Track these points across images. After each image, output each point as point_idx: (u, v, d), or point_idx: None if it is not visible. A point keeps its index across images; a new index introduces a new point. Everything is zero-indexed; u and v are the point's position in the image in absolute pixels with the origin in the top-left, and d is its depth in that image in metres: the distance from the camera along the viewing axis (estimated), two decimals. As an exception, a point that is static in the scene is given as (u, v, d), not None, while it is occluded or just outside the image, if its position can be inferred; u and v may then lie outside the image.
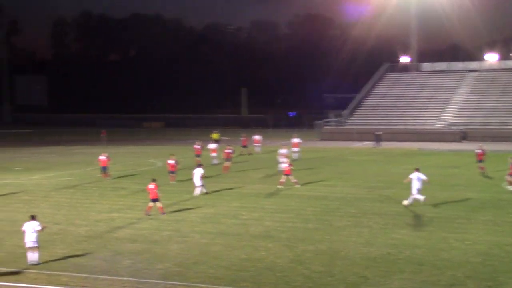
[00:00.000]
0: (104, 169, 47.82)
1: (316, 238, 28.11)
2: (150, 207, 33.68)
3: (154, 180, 34.21)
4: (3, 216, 34.09)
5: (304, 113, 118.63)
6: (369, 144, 76.79)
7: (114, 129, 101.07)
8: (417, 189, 34.99)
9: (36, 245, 24.68)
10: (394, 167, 54.18)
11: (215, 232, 29.52)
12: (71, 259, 25.32)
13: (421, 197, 34.90)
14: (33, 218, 25.30)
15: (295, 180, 42.92)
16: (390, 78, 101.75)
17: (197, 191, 39.06)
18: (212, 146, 57.02)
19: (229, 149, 52.42)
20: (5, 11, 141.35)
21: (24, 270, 23.80)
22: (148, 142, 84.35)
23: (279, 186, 42.20)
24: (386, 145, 74.57)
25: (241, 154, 62.89)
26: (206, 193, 39.64)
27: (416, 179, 35.06)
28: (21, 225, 25.42)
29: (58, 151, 73.68)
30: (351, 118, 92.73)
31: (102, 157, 47.86)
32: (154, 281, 22.38)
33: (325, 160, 59.21)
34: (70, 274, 23.27)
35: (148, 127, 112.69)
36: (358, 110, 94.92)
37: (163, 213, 33.53)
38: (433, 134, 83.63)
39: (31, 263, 24.44)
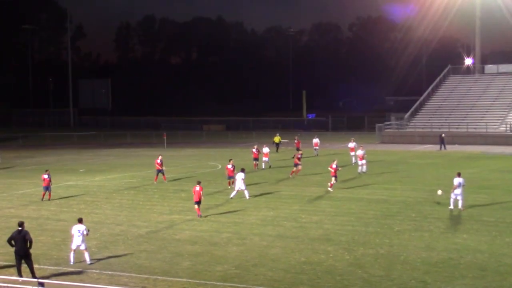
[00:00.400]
0: (159, 172, 47.78)
1: (376, 242, 27.91)
2: (198, 209, 34.11)
3: (199, 183, 34.66)
4: (67, 217, 34.75)
5: (363, 115, 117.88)
6: (431, 147, 75.73)
7: (175, 131, 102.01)
8: (457, 194, 34.74)
9: (84, 248, 25.36)
10: (456, 171, 53.17)
11: (274, 235, 29.56)
12: (132, 260, 25.69)
13: (460, 203, 34.72)
14: (80, 221, 25.90)
15: (331, 183, 42.60)
16: (453, 81, 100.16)
17: (246, 194, 39.01)
18: (265, 150, 56.72)
19: (299, 154, 52.24)
20: (70, 16, 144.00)
21: (87, 270, 24.26)
22: (208, 145, 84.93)
23: (329, 189, 42.33)
24: (448, 148, 73.42)
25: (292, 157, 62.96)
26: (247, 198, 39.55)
27: (458, 184, 34.73)
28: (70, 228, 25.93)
29: (120, 153, 74.80)
30: (413, 121, 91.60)
31: (158, 161, 47.88)
32: (213, 283, 22.53)
33: (385, 163, 58.66)
34: (131, 274, 23.62)
35: (208, 130, 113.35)
36: (419, 113, 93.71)
37: (199, 215, 33.83)
38: (497, 137, 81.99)
39: (73, 263, 25.27)
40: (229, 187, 42.87)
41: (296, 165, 49.65)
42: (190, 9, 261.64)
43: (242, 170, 39.06)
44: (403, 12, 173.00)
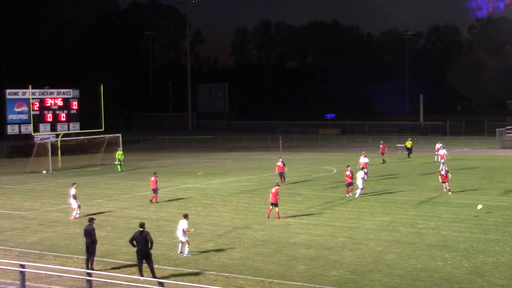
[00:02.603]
0: (281, 175, 48.52)
1: (497, 250, 27.12)
2: (270, 210, 34.98)
3: (277, 185, 36.31)
4: (185, 219, 35.57)
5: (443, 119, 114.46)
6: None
7: (290, 135, 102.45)
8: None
9: (184, 240, 27.20)
10: None
11: (390, 240, 29.24)
12: (248, 262, 26.03)
13: None
14: (185, 217, 27.56)
15: (448, 188, 42.57)
16: None
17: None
18: (364, 160, 51.96)
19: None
20: (189, 22, 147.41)
21: (204, 272, 24.76)
22: (323, 149, 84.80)
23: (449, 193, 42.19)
24: None
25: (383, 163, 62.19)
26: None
27: None
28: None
29: (237, 156, 75.78)
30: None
31: (280, 163, 48.60)
32: (328, 287, 22.52)
33: (506, 169, 56.85)
34: (247, 277, 23.94)
35: (323, 134, 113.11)
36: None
37: (278, 218, 34.64)
38: None
39: (181, 253, 27.42)
40: (347, 195, 42.21)
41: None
42: (306, 13, 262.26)
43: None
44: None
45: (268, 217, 34.77)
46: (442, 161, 56.07)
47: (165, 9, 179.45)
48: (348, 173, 42.52)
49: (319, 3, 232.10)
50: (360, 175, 42.40)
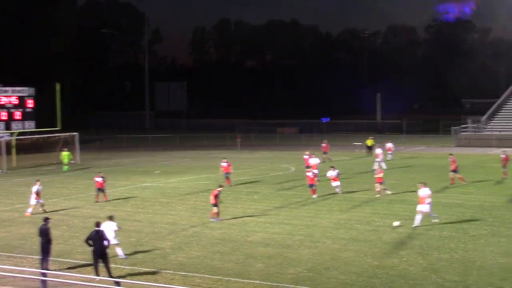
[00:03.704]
0: (226, 175, 47.42)
1: (451, 247, 27.48)
2: (214, 213, 34.00)
3: (220, 186, 35.33)
4: (142, 218, 35.44)
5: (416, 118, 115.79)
6: (510, 150, 73.91)
7: (249, 134, 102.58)
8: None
9: (116, 242, 26.53)
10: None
11: (347, 238, 29.45)
12: (206, 261, 25.99)
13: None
14: (110, 218, 26.81)
15: (384, 187, 41.79)
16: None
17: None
18: (314, 161, 50.24)
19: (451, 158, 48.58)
20: (148, 20, 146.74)
21: (161, 271, 24.66)
22: (281, 148, 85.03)
23: (377, 196, 41.18)
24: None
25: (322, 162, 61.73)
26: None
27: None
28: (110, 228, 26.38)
29: (195, 155, 75.63)
30: (490, 124, 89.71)
31: (224, 164, 47.49)
32: (285, 285, 22.60)
33: (461, 167, 57.56)
34: (204, 275, 23.90)
35: (282, 133, 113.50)
36: (497, 116, 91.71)
37: (218, 219, 33.81)
38: None
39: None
40: (314, 196, 41.07)
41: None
42: (265, 12, 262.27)
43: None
44: (481, 12, 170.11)
45: (214, 219, 33.92)
46: (378, 159, 55.74)
47: (124, 7, 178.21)
48: (310, 174, 41.85)
49: (278, 2, 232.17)
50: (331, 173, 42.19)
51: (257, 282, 23.07)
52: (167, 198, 42.54)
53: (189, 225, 32.97)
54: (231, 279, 23.45)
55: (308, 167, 48.51)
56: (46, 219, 25.24)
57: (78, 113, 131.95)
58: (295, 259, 26.08)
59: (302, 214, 35.56)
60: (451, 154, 49.53)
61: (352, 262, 25.37)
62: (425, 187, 31.97)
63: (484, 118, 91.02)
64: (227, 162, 47.51)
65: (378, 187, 41.40)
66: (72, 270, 24.80)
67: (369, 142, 69.67)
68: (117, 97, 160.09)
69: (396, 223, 31.52)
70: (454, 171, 46.99)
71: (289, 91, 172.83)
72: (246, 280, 23.24)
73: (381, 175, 41.72)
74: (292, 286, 22.49)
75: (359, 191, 43.49)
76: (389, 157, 63.77)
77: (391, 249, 27.22)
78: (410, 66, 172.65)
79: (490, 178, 49.87)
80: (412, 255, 26.20)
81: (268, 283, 22.90)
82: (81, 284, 19.60)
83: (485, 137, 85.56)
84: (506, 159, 48.64)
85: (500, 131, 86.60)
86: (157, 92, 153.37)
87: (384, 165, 53.93)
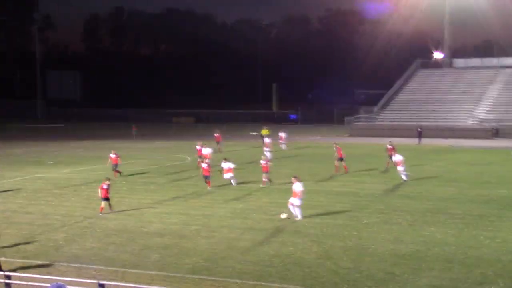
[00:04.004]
0: (115, 167, 46.45)
1: (345, 234, 28.02)
2: (102, 208, 32.97)
3: (108, 179, 34.18)
4: (34, 210, 34.49)
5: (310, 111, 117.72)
6: (401, 140, 76.12)
7: (144, 124, 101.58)
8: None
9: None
10: (424, 164, 53.81)
11: (243, 227, 29.55)
12: (101, 252, 25.54)
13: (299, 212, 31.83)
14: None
15: (265, 180, 41.41)
16: (422, 74, 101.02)
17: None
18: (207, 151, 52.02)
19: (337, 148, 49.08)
20: (39, 6, 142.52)
21: (55, 263, 24.05)
22: (177, 138, 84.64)
23: (261, 186, 41.08)
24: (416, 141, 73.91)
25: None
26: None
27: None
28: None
29: (89, 145, 74.29)
30: (382, 114, 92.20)
31: (113, 155, 46.58)
32: (182, 275, 22.45)
33: (354, 157, 58.88)
34: (99, 267, 23.46)
35: (178, 122, 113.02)
36: (389, 106, 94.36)
37: (113, 211, 33.11)
38: (465, 130, 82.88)
39: None
40: (209, 188, 40.29)
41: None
42: (160, 1, 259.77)
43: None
44: (373, 5, 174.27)
45: (102, 213, 32.71)
46: (267, 149, 56.79)
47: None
48: (204, 165, 41.12)
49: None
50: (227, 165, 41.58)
51: (154, 272, 22.83)
52: (60, 189, 41.56)
53: (83, 216, 32.30)
54: (127, 270, 23.11)
55: (200, 157, 48.50)
56: None
57: None
58: (191, 249, 25.97)
59: (198, 204, 35.48)
60: (336, 144, 50.42)
61: (248, 251, 25.48)
62: (298, 181, 31.88)
63: (376, 108, 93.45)
64: (115, 154, 46.41)
65: (264, 177, 41.41)
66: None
67: (264, 131, 70.27)
68: (5, 85, 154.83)
69: (283, 215, 31.34)
70: (341, 159, 47.94)
71: (183, 81, 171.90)
72: (143, 271, 22.95)
73: (265, 164, 41.73)
74: (189, 276, 22.37)
75: (254, 181, 43.67)
76: (283, 146, 64.52)
77: (286, 238, 27.48)
78: (305, 56, 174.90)
79: (381, 167, 51.10)
80: (307, 243, 26.55)
81: (165, 273, 22.70)
82: (-30, 279, 18.86)
83: (377, 127, 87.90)
84: (392, 149, 49.56)
85: (391, 121, 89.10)
86: (48, 80, 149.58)
87: (269, 155, 54.36)
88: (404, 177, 42.98)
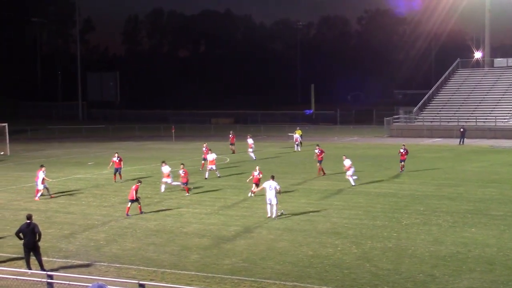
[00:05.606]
0: (116, 170, 45.65)
1: (384, 235, 27.88)
2: (129, 208, 33.17)
3: (139, 181, 34.41)
4: (76, 210, 34.89)
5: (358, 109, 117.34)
6: (440, 141, 75.49)
7: (183, 125, 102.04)
8: (271, 199, 31.86)
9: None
10: (464, 164, 53.30)
11: (282, 228, 29.56)
12: (140, 253, 25.74)
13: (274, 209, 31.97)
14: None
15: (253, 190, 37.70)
16: (462, 74, 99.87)
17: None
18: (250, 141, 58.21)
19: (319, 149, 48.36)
20: (79, 9, 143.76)
21: (95, 263, 24.32)
22: (216, 138, 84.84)
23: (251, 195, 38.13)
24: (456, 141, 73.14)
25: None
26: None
27: (269, 187, 31.92)
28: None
29: (129, 146, 74.86)
30: (421, 115, 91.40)
31: (115, 158, 45.93)
32: (221, 276, 22.55)
33: (393, 157, 58.45)
34: (139, 267, 23.66)
35: (216, 123, 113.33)
36: (428, 107, 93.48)
37: (141, 212, 33.23)
38: (505, 131, 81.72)
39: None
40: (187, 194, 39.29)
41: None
42: (198, 2, 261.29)
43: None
44: (410, 5, 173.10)
45: (128, 215, 32.82)
46: (250, 150, 57.92)
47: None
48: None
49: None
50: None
51: (193, 273, 22.97)
52: (100, 189, 42.01)
53: (123, 217, 32.60)
54: (167, 270, 23.29)
55: (205, 159, 49.06)
56: None
57: (6, 103, 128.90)
58: (230, 249, 26.06)
59: (237, 205, 35.58)
60: (317, 145, 49.89)
61: (287, 252, 25.49)
62: (272, 180, 32.02)
63: (415, 109, 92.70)
64: (118, 157, 45.81)
65: (254, 187, 37.54)
66: (2, 264, 24.23)
67: (298, 132, 70.24)
68: (48, 87, 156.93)
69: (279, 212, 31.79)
70: (320, 161, 47.32)
71: (222, 82, 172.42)
72: (182, 272, 23.11)
73: (258, 175, 37.62)
74: (227, 276, 22.47)
75: (293, 180, 43.65)
76: (251, 155, 58.63)
77: (325, 239, 27.44)
78: (344, 57, 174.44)
79: (421, 168, 50.76)
80: (346, 244, 26.49)
81: (204, 274, 22.83)
82: (13, 278, 19.11)
83: (416, 128, 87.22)
84: (405, 154, 48.69)
85: (431, 121, 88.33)
86: (89, 82, 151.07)
87: (253, 156, 55.75)
88: (352, 182, 41.71)
